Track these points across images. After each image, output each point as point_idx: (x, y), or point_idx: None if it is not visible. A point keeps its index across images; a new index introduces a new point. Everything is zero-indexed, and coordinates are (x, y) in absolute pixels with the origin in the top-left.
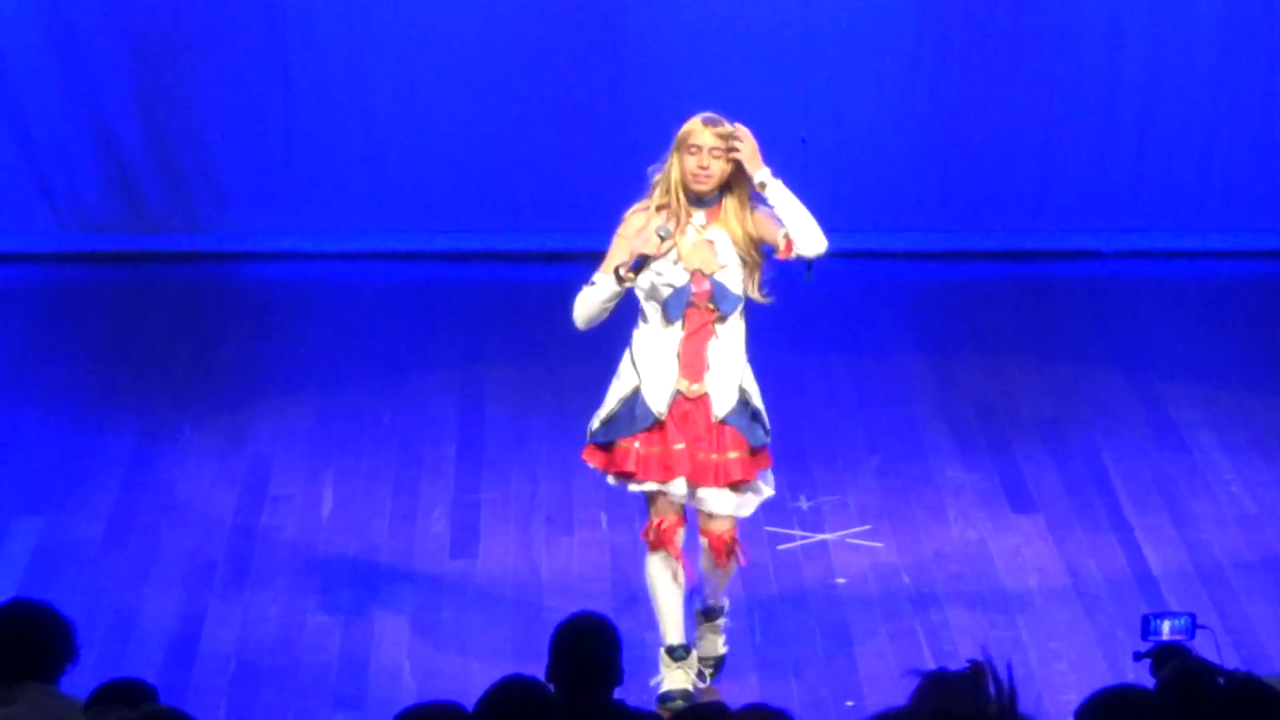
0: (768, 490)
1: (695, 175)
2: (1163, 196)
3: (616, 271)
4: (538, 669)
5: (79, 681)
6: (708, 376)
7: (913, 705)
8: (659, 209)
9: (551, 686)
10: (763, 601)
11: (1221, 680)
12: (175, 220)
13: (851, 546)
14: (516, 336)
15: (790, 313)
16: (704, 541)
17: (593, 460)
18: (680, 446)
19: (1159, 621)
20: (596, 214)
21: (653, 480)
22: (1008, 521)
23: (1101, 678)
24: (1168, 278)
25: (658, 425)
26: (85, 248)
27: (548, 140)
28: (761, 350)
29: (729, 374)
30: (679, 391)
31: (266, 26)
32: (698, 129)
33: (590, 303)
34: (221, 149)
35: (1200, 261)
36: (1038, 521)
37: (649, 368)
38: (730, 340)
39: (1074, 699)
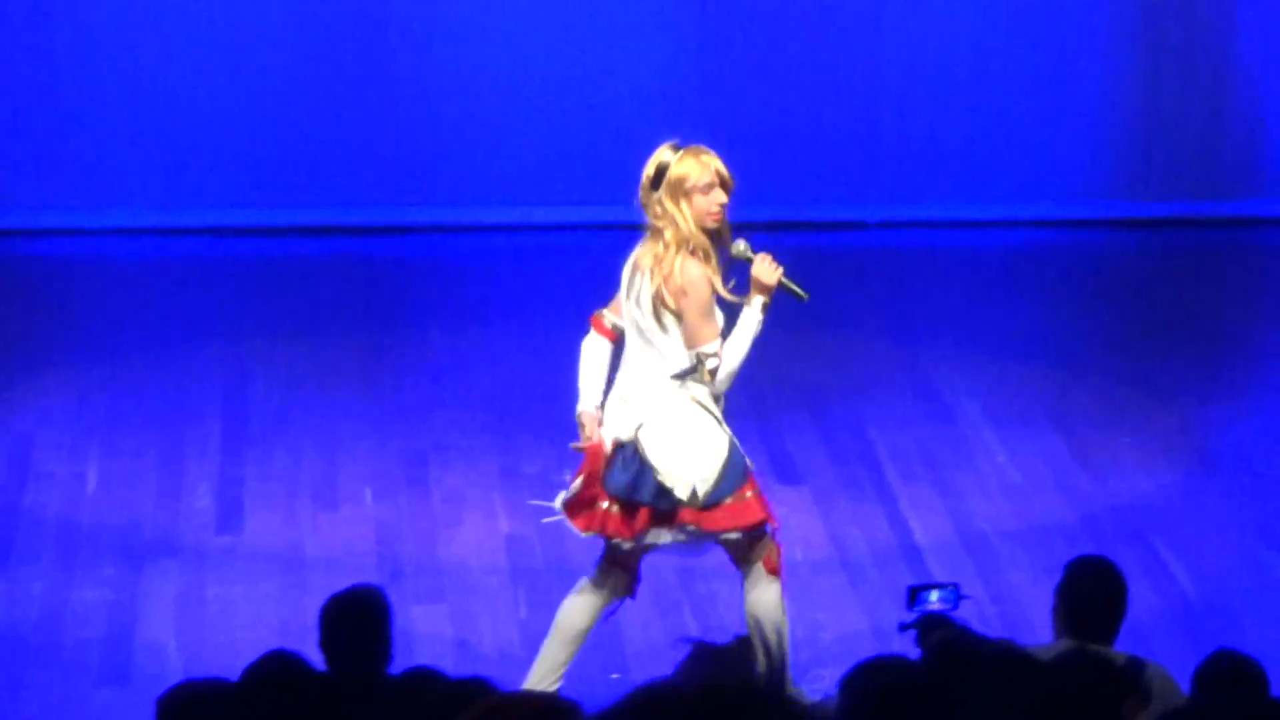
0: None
1: (714, 214)
2: (927, 167)
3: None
4: (303, 644)
5: None
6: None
7: (681, 676)
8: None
9: (323, 660)
10: (528, 575)
11: (985, 649)
12: None
13: None
14: (281, 312)
15: (555, 286)
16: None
17: None
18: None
19: (924, 592)
20: (360, 189)
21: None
22: (773, 493)
23: (866, 648)
24: (933, 248)
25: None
26: None
27: (310, 115)
28: (522, 325)
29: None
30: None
31: (30, 3)
32: (698, 166)
33: (745, 353)
34: None
35: (965, 231)
36: (803, 492)
37: None
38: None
39: (839, 670)
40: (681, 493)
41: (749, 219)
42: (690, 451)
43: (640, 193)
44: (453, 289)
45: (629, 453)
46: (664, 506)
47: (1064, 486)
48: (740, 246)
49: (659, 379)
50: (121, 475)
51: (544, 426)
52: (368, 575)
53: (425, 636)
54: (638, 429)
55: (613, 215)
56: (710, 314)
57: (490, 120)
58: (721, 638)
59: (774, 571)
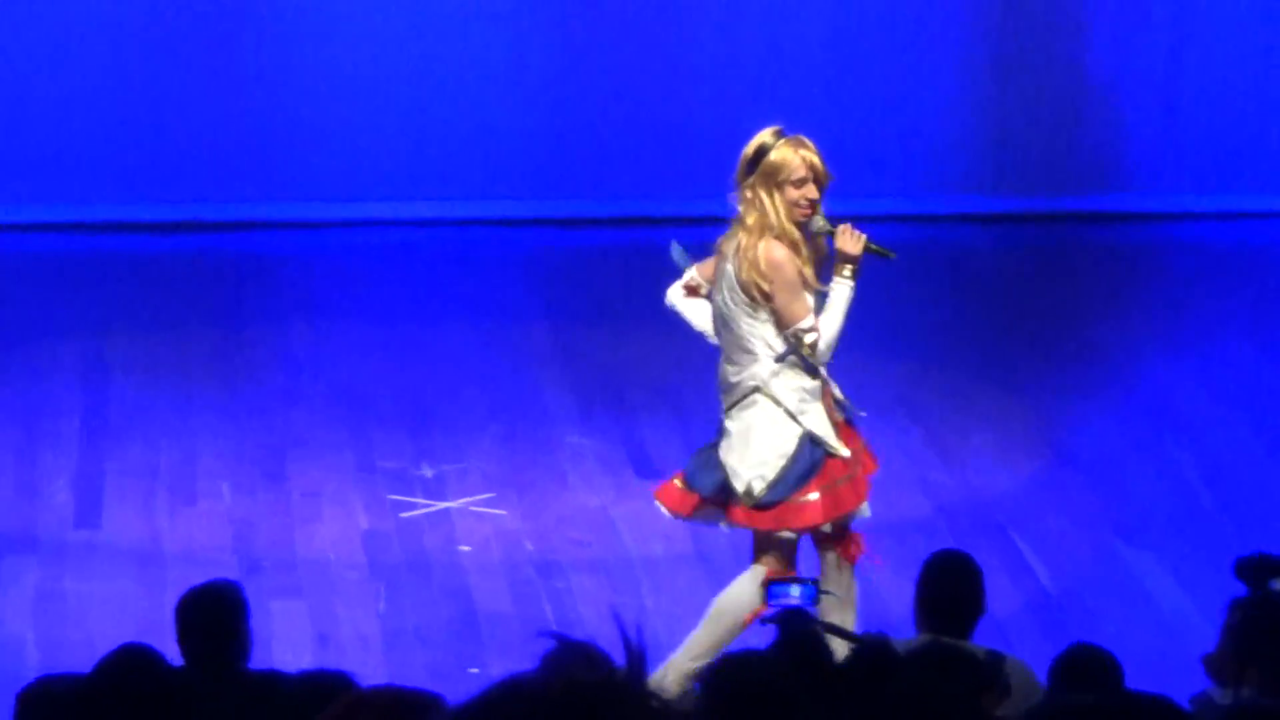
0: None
1: (803, 208)
2: None
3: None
4: (160, 638)
5: None
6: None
7: (542, 671)
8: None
9: (180, 654)
10: (387, 570)
11: (842, 643)
12: None
13: (475, 514)
14: (138, 307)
15: (410, 282)
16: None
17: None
18: None
19: (783, 586)
20: (216, 185)
21: None
22: (631, 487)
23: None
24: None
25: None
26: None
27: (166, 111)
28: (377, 320)
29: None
30: None
31: None
32: (795, 158)
33: (841, 323)
34: None
35: None
36: None
37: None
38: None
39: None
40: (738, 486)
41: (602, 215)
42: (757, 452)
43: (737, 170)
44: (308, 284)
45: (710, 447)
46: (721, 500)
47: (921, 481)
48: (819, 222)
49: (743, 377)
50: None
51: (401, 421)
52: (226, 570)
53: (284, 631)
54: (721, 425)
55: (467, 211)
56: (799, 292)
57: (345, 117)
58: (580, 632)
59: (851, 561)
